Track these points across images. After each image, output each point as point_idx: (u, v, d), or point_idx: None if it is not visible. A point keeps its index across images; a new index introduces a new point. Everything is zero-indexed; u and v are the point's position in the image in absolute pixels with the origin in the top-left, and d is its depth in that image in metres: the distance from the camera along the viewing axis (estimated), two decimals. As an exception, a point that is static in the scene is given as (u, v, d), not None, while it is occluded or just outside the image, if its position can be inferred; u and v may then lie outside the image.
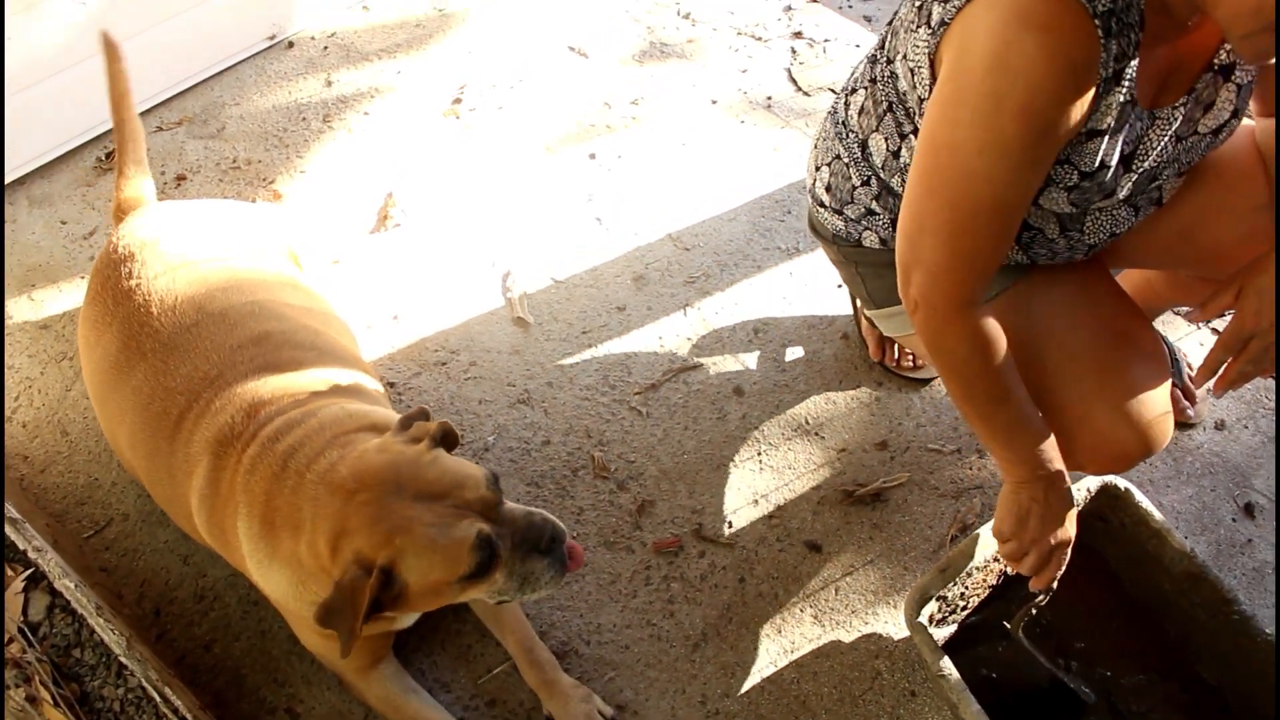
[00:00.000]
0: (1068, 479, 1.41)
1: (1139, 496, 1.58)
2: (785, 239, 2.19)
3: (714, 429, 1.91)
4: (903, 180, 1.46)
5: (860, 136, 1.52)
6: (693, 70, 2.48)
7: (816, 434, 1.94)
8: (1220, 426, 2.09)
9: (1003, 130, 1.16)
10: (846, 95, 1.56)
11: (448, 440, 1.40)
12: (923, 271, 1.29)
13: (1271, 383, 2.16)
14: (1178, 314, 2.22)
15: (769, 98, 2.45)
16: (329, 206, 2.14)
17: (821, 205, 1.64)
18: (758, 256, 2.16)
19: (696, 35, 2.56)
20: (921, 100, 1.33)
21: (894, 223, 1.54)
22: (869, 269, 1.62)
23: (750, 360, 2.02)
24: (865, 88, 1.50)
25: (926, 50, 1.26)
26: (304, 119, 2.27)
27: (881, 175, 1.50)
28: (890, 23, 1.46)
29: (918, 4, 1.30)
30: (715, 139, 2.35)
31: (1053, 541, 1.40)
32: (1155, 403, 1.48)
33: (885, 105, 1.44)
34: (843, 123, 1.56)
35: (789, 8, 2.67)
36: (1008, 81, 1.14)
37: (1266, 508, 1.99)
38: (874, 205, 1.55)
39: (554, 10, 2.56)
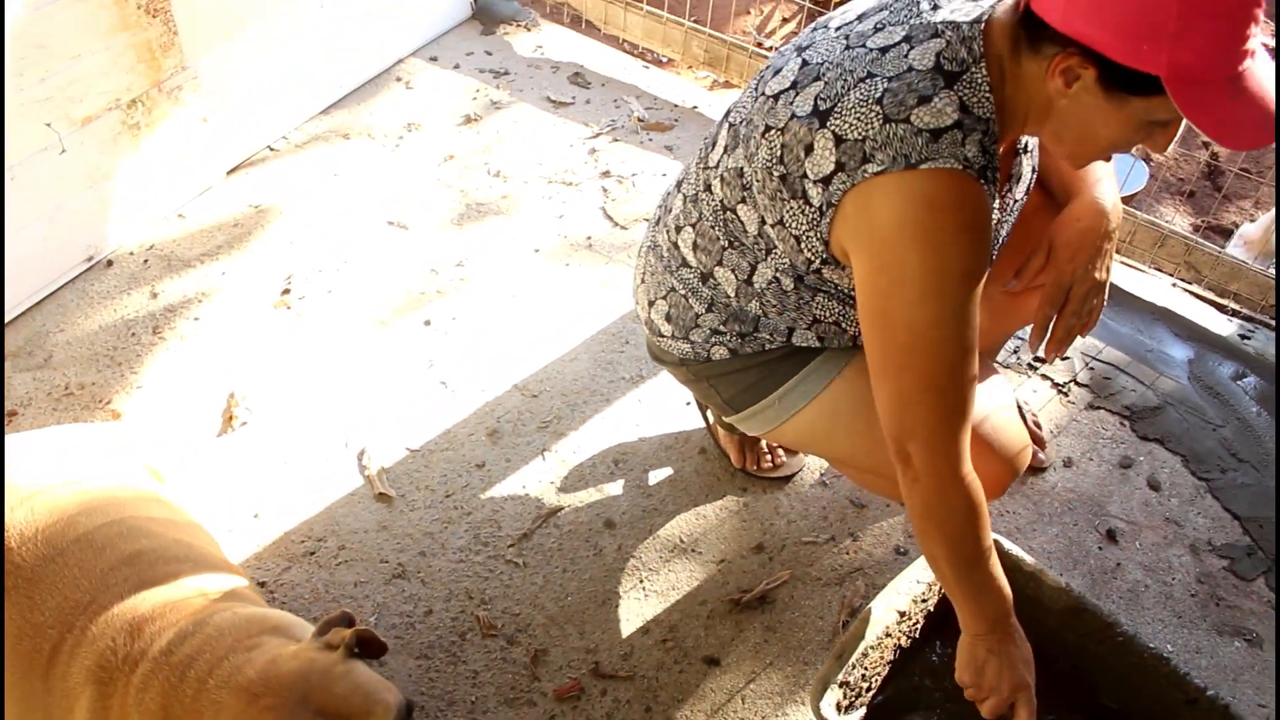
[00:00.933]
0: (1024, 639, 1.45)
1: (1008, 545, 1.63)
2: (628, 368, 2.23)
3: (593, 566, 1.91)
4: (761, 303, 1.52)
5: (699, 270, 1.56)
6: (511, 224, 2.54)
7: (693, 550, 1.95)
8: (1068, 464, 2.18)
9: (952, 296, 1.26)
10: (669, 232, 1.60)
11: (370, 648, 1.32)
12: (919, 443, 1.33)
13: (1105, 413, 2.27)
14: (1019, 343, 2.33)
15: (589, 237, 2.53)
16: (172, 416, 2.10)
17: (662, 335, 1.67)
18: (605, 390, 2.20)
19: (509, 190, 2.63)
20: (809, 263, 1.40)
21: (743, 335, 1.58)
22: (721, 379, 1.65)
23: (615, 491, 2.03)
24: (692, 225, 1.54)
25: (815, 231, 1.34)
26: (133, 334, 2.23)
27: (734, 303, 1.55)
28: (706, 164, 1.52)
29: (769, 168, 1.36)
30: (544, 285, 2.40)
31: (1007, 690, 1.42)
32: (1012, 427, 1.59)
33: (723, 244, 1.50)
34: (672, 258, 1.60)
35: (593, 150, 2.77)
36: (941, 259, 1.24)
37: (1127, 531, 2.08)
38: (720, 326, 1.59)
39: (369, 190, 2.60)
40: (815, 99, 1.30)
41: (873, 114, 1.24)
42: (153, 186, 2.44)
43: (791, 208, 1.35)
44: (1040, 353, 1.66)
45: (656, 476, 2.06)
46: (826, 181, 1.29)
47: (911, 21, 1.30)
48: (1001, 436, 1.58)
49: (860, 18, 1.37)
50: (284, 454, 2.06)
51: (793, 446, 1.85)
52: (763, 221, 1.41)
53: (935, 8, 1.31)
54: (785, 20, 4.13)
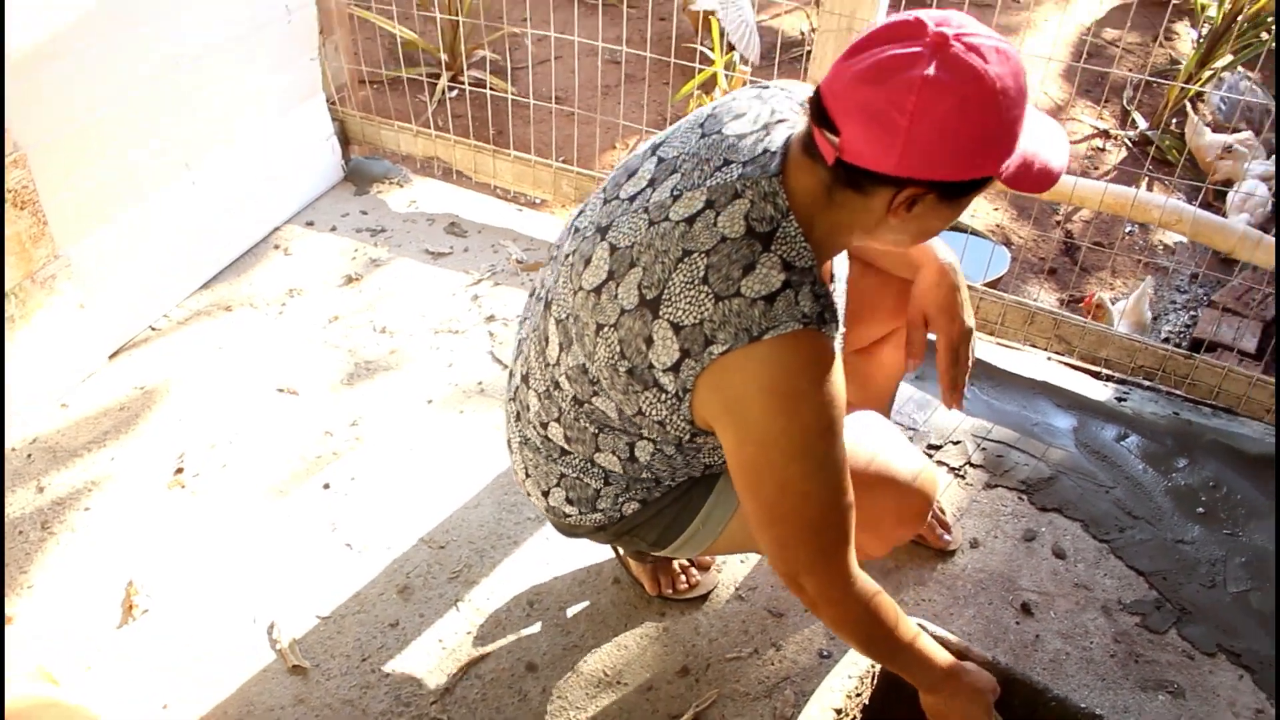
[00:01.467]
0: (969, 670, 1.53)
1: (931, 627, 1.64)
2: (532, 508, 2.23)
3: (519, 712, 1.87)
4: (652, 471, 1.54)
5: (581, 457, 1.57)
6: (402, 378, 2.54)
7: (619, 682, 1.92)
8: (975, 544, 2.22)
9: (816, 451, 1.31)
10: (536, 427, 1.60)
11: None
12: (809, 575, 1.39)
13: (1003, 490, 2.33)
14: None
15: (480, 383, 2.54)
16: (68, 613, 2.02)
17: (568, 515, 1.66)
18: (512, 532, 2.18)
19: (397, 345, 2.64)
20: (679, 439, 1.44)
21: (649, 487, 1.60)
22: (641, 527, 1.65)
23: (534, 632, 2.00)
24: (556, 420, 1.55)
25: (677, 414, 1.38)
26: (20, 532, 2.16)
27: (627, 473, 1.56)
28: (546, 360, 1.52)
29: (614, 365, 1.38)
30: (440, 436, 2.40)
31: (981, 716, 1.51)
32: (901, 456, 1.66)
33: (594, 431, 1.51)
34: (549, 449, 1.60)
35: (476, 296, 2.81)
36: (802, 420, 1.29)
37: (1040, 601, 2.11)
38: (623, 492, 1.60)
39: (255, 359, 2.58)
40: (639, 288, 1.33)
41: (703, 295, 1.28)
42: (32, 378, 2.39)
43: (648, 397, 1.38)
44: (950, 405, 1.79)
45: (573, 612, 2.04)
46: (676, 369, 1.32)
47: (708, 184, 1.33)
48: (895, 469, 1.64)
49: (652, 184, 1.40)
50: (190, 638, 1.99)
51: (728, 554, 1.87)
52: (621, 412, 1.44)
53: (726, 162, 1.34)
54: (650, 151, 4.26)
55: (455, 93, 4.30)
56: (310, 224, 3.06)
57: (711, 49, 4.11)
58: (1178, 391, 2.63)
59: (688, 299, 1.29)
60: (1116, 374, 2.67)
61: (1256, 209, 3.56)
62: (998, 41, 1.18)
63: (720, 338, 1.27)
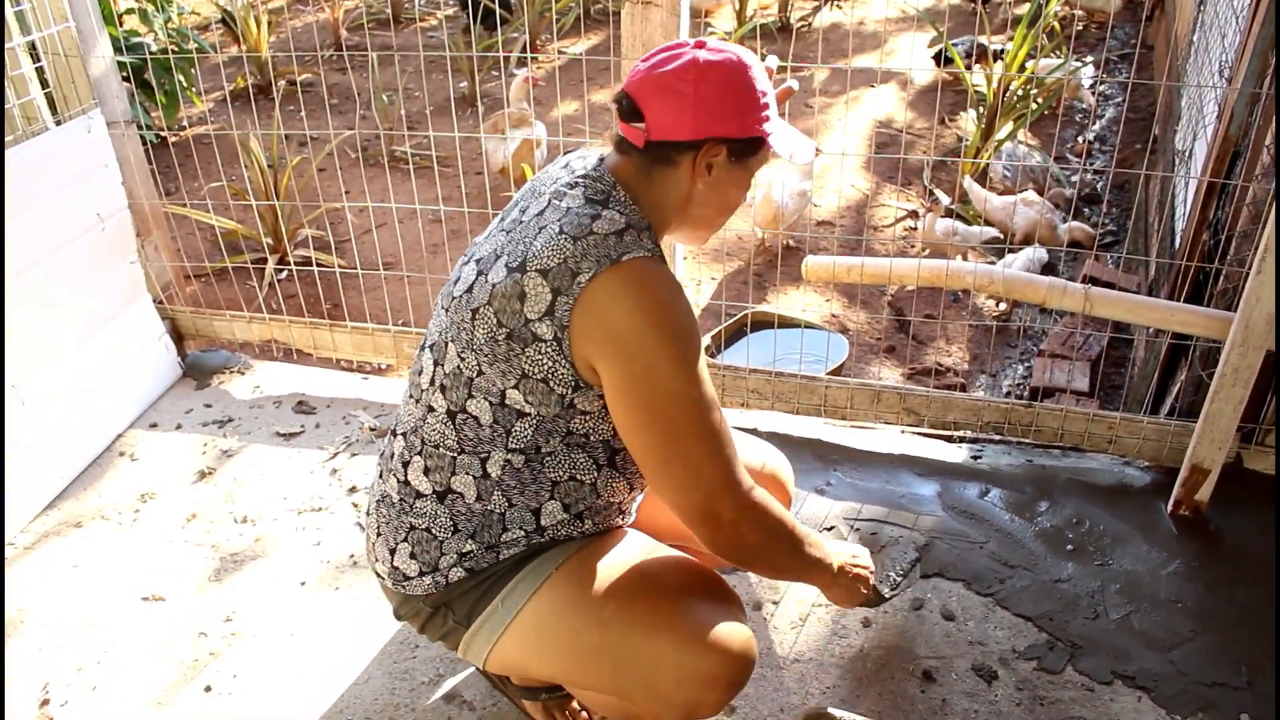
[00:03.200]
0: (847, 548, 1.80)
1: (840, 713, 1.66)
2: (425, 671, 2.17)
3: None
4: (503, 491, 1.60)
5: (435, 491, 1.63)
6: (271, 565, 2.47)
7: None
8: (867, 624, 2.26)
9: (692, 358, 1.48)
10: (395, 475, 1.68)
11: None
12: (724, 494, 1.51)
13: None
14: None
15: (351, 556, 2.49)
16: None
17: (408, 579, 1.68)
18: (408, 699, 2.12)
19: (261, 532, 2.57)
20: (562, 400, 1.54)
21: (489, 546, 1.63)
22: (458, 599, 1.67)
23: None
24: (418, 454, 1.63)
25: (560, 361, 1.50)
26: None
27: (477, 507, 1.61)
28: (418, 397, 1.64)
29: (493, 338, 1.51)
30: (319, 616, 2.33)
31: (867, 566, 1.81)
32: (772, 457, 1.82)
33: (453, 454, 1.60)
34: (404, 498, 1.66)
35: (335, 470, 2.77)
36: (672, 329, 1.46)
37: (940, 666, 2.15)
38: (467, 547, 1.63)
39: (114, 572, 2.47)
40: (505, 267, 1.52)
41: (562, 241, 1.48)
42: None
43: (529, 354, 1.50)
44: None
45: (486, 769, 1.98)
46: (550, 311, 1.47)
47: (541, 205, 1.57)
48: (775, 467, 1.95)
49: (501, 221, 1.64)
50: None
51: (527, 671, 1.76)
52: (502, 396, 1.54)
53: (555, 180, 1.61)
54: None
55: (285, 274, 4.29)
56: (154, 425, 2.98)
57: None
58: (1026, 440, 2.76)
59: (550, 249, 1.48)
60: (968, 434, 2.79)
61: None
62: (743, 49, 1.55)
63: (584, 267, 1.46)
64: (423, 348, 1.67)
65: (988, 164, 5.13)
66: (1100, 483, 2.65)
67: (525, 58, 6.49)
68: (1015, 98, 5.23)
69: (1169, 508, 2.55)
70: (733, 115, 1.52)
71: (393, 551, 1.68)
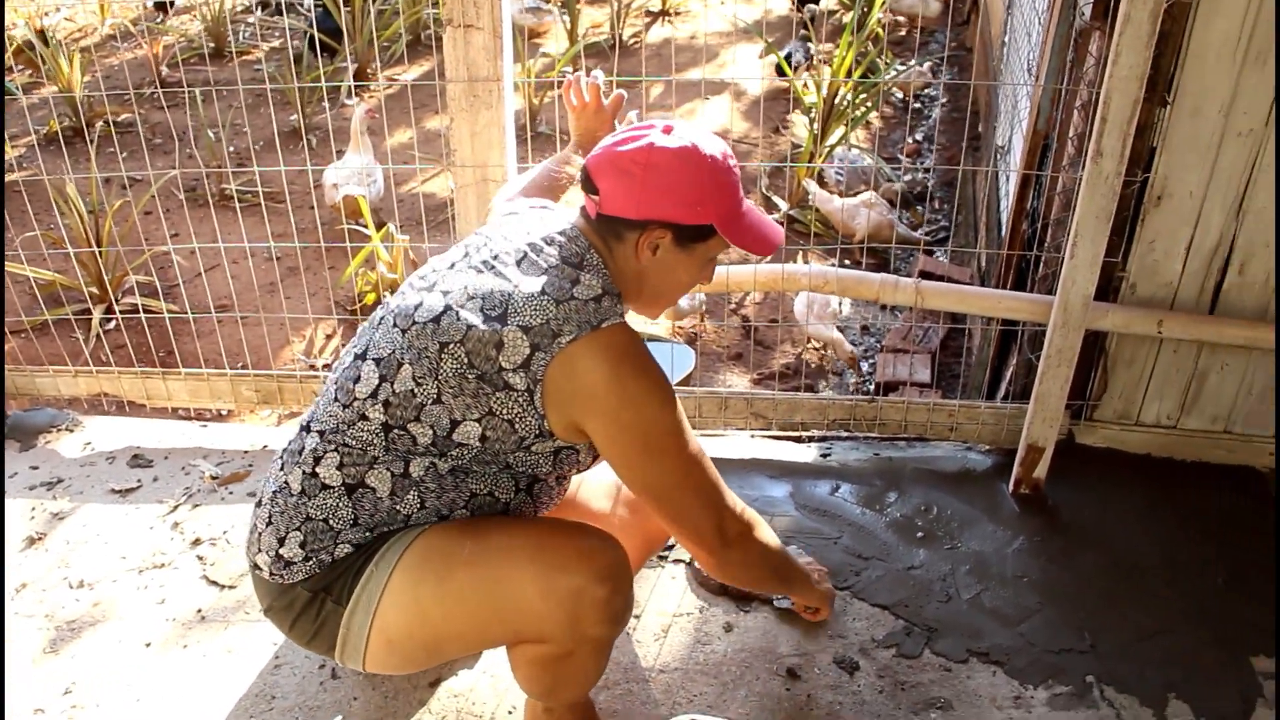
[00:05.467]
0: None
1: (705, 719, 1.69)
2: (328, 714, 2.12)
3: None
4: (420, 491, 1.66)
5: (345, 484, 1.66)
6: (114, 628, 2.38)
7: None
8: (729, 628, 2.30)
9: (675, 402, 1.63)
10: (302, 468, 1.69)
11: None
12: (731, 518, 1.71)
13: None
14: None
15: (199, 610, 2.41)
16: None
17: (289, 565, 1.69)
18: (269, 751, 2.07)
19: (100, 595, 2.47)
20: (521, 441, 1.62)
21: (381, 538, 1.68)
22: (338, 579, 1.68)
23: None
24: (335, 450, 1.66)
25: (530, 410, 1.59)
26: None
27: (386, 504, 1.66)
28: (349, 402, 1.66)
29: (461, 374, 1.58)
30: (167, 677, 2.25)
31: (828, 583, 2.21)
32: (592, 537, 1.77)
33: (375, 455, 1.65)
34: (309, 489, 1.68)
35: (176, 524, 2.68)
36: (653, 379, 1.60)
37: (802, 663, 2.20)
38: (361, 537, 1.68)
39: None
40: (482, 311, 1.59)
41: (545, 302, 1.58)
42: None
43: (499, 398, 1.58)
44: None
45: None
46: (526, 365, 1.56)
47: (518, 255, 1.66)
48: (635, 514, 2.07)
49: (466, 256, 1.72)
50: None
51: (412, 655, 1.74)
52: (452, 428, 1.61)
53: (529, 233, 1.70)
54: (329, 337, 4.25)
55: (112, 324, 4.14)
56: (-27, 495, 2.84)
57: (366, 227, 4.17)
58: (873, 434, 2.86)
59: (532, 308, 1.57)
60: (816, 433, 2.87)
61: (816, 305, 3.93)
62: (714, 139, 1.66)
63: (566, 330, 1.56)
64: (361, 356, 1.69)
65: (821, 169, 5.29)
66: (945, 469, 2.76)
67: (356, 87, 6.42)
68: (845, 104, 5.41)
69: (1010, 488, 2.68)
70: (679, 202, 1.61)
71: (281, 540, 1.69)
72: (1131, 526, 2.58)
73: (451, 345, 1.59)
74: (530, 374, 1.57)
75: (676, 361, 3.31)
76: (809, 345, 4.19)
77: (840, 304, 3.85)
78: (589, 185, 1.66)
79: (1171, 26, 2.23)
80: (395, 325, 1.67)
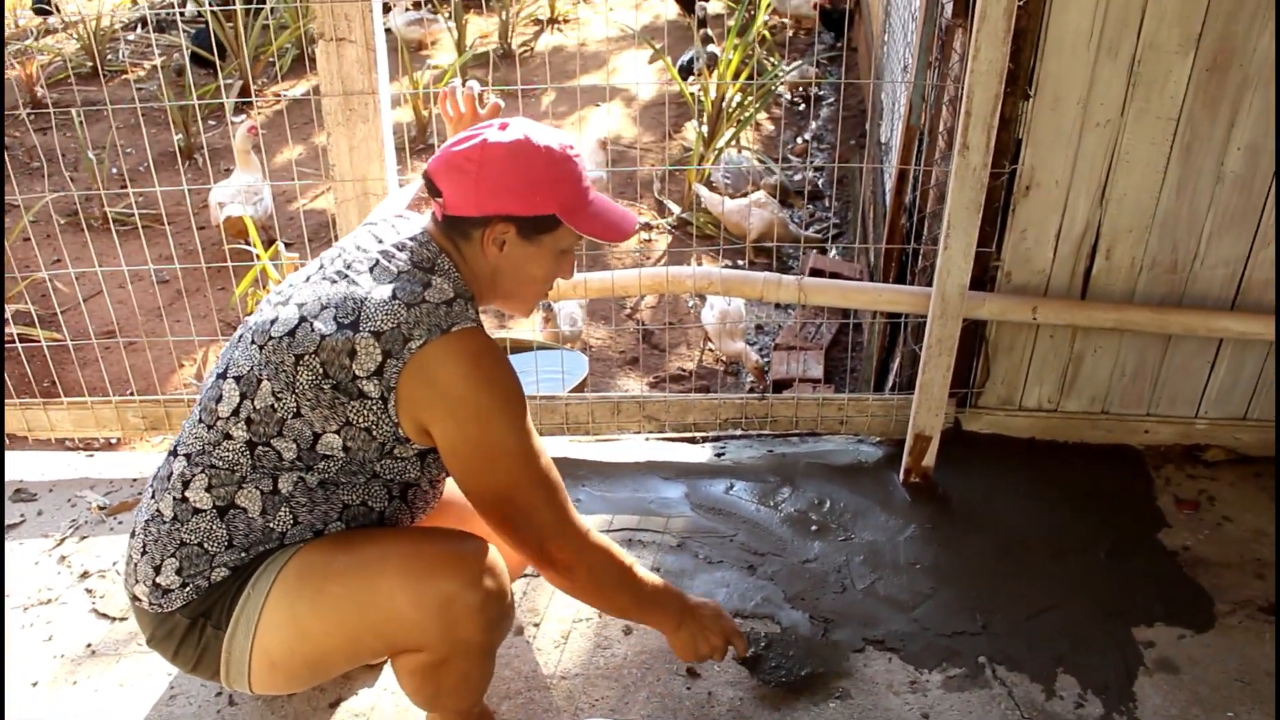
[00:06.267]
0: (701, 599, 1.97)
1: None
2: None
3: None
4: (292, 507, 1.65)
5: (216, 507, 1.65)
6: (-2, 669, 2.31)
7: None
8: (629, 631, 2.31)
9: (521, 418, 1.63)
10: (172, 494, 1.68)
11: None
12: (558, 537, 1.68)
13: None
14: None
15: (88, 645, 2.35)
16: None
17: (167, 593, 1.67)
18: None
19: (-17, 637, 2.39)
20: (382, 448, 1.64)
21: (258, 558, 1.66)
22: (216, 603, 1.67)
23: None
24: (202, 472, 1.65)
25: (385, 417, 1.60)
26: None
27: (259, 522, 1.65)
28: (212, 423, 1.66)
29: (317, 385, 1.57)
30: (56, 717, 2.19)
31: (720, 640, 1.95)
32: (465, 544, 1.73)
33: (243, 474, 1.64)
34: (180, 515, 1.66)
35: (63, 557, 2.61)
36: (502, 392, 1.60)
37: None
38: (237, 558, 1.66)
39: None
40: (335, 320, 1.59)
41: (396, 306, 1.58)
42: None
43: (354, 406, 1.59)
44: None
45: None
46: (379, 372, 1.56)
47: (369, 262, 1.66)
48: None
49: (321, 268, 1.72)
50: None
51: (297, 674, 1.73)
52: (315, 440, 1.61)
53: (379, 240, 1.71)
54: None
55: (-10, 356, 4.01)
56: None
57: (253, 246, 4.11)
58: (766, 432, 2.90)
59: (384, 312, 1.58)
60: (709, 433, 2.90)
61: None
62: (551, 131, 1.68)
63: (417, 334, 1.56)
64: (222, 375, 1.69)
65: (710, 172, 5.35)
66: (837, 463, 2.81)
67: (242, 104, 6.31)
68: (733, 105, 5.48)
69: (900, 477, 2.74)
70: (516, 194, 1.63)
71: (157, 569, 1.67)
72: (1018, 508, 2.66)
73: (306, 357, 1.59)
74: (383, 381, 1.57)
75: (568, 369, 3.32)
76: (706, 348, 4.24)
77: (730, 303, 3.89)
78: (432, 189, 1.68)
79: (1028, 22, 2.31)
80: (253, 342, 1.67)
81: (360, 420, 1.60)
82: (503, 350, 1.66)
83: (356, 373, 1.57)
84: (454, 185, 1.65)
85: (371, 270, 1.66)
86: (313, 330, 1.60)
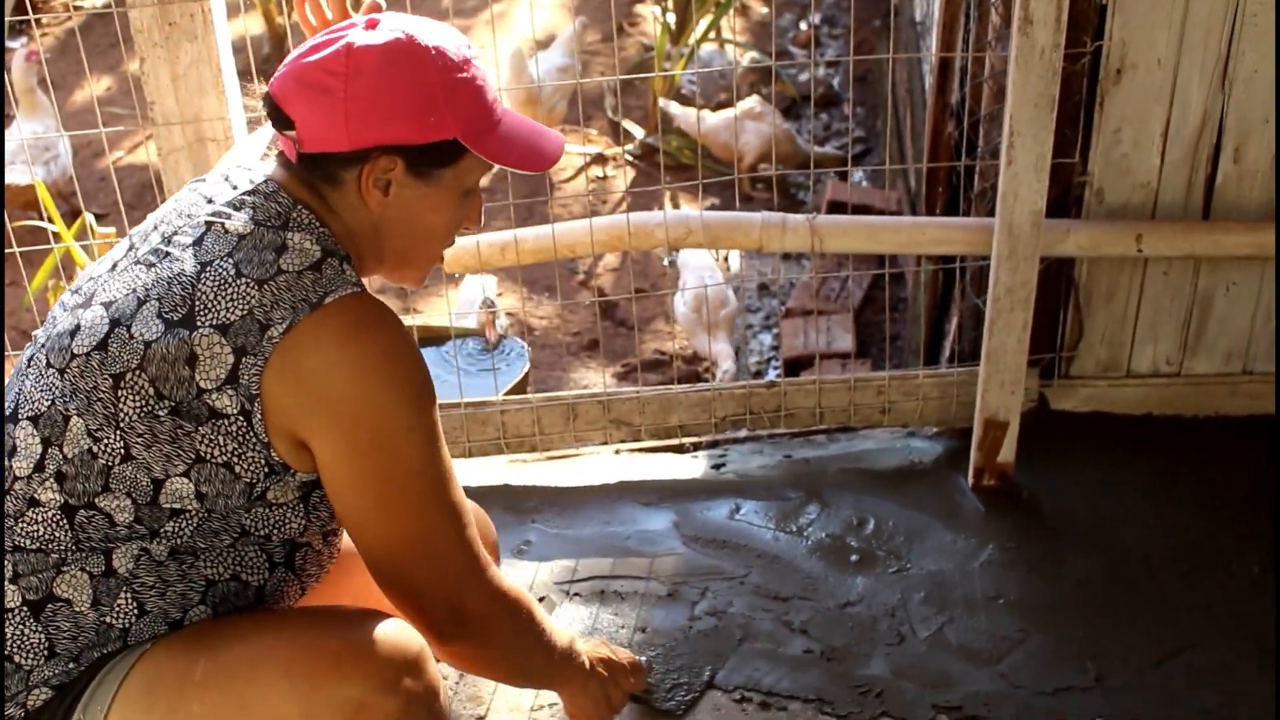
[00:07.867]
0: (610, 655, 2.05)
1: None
2: None
3: None
4: (134, 591, 1.58)
5: (29, 600, 1.58)
6: None
7: None
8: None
9: (427, 412, 1.59)
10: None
11: None
12: (470, 585, 1.65)
13: (624, 634, 2.45)
14: None
15: None
16: None
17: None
18: None
19: None
20: (250, 489, 1.57)
21: (90, 667, 1.61)
22: None
23: None
24: (4, 558, 1.58)
25: (250, 439, 1.53)
26: None
27: (89, 618, 1.58)
28: (16, 478, 1.58)
29: (151, 413, 1.52)
30: None
31: (626, 685, 2.05)
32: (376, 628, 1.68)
33: (60, 555, 1.56)
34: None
35: None
36: (401, 380, 1.56)
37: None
38: (64, 669, 1.60)
39: None
40: (159, 316, 1.53)
41: (243, 286, 1.53)
42: None
43: (205, 434, 1.52)
44: None
45: None
46: (234, 378, 1.51)
47: (198, 231, 1.61)
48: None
49: (132, 249, 1.67)
50: None
51: None
52: (157, 490, 1.54)
53: (210, 200, 1.66)
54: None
55: None
56: None
57: (51, 222, 4.08)
58: (779, 431, 2.90)
59: (227, 298, 1.52)
60: (702, 438, 2.90)
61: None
62: (440, 27, 1.63)
63: (277, 317, 1.51)
64: (12, 418, 1.62)
65: (681, 78, 5.34)
66: (880, 466, 2.82)
67: (20, 22, 6.26)
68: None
69: (969, 480, 2.75)
70: (401, 115, 1.58)
71: None
72: (1132, 513, 2.67)
73: (129, 375, 1.52)
74: (242, 389, 1.51)
75: (513, 367, 3.32)
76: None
77: (709, 278, 3.88)
78: (279, 119, 1.61)
79: None
80: (49, 364, 1.60)
81: (216, 452, 1.54)
82: (398, 322, 1.60)
83: (201, 385, 1.51)
84: (311, 110, 1.58)
85: (200, 241, 1.59)
86: (131, 336, 1.54)
